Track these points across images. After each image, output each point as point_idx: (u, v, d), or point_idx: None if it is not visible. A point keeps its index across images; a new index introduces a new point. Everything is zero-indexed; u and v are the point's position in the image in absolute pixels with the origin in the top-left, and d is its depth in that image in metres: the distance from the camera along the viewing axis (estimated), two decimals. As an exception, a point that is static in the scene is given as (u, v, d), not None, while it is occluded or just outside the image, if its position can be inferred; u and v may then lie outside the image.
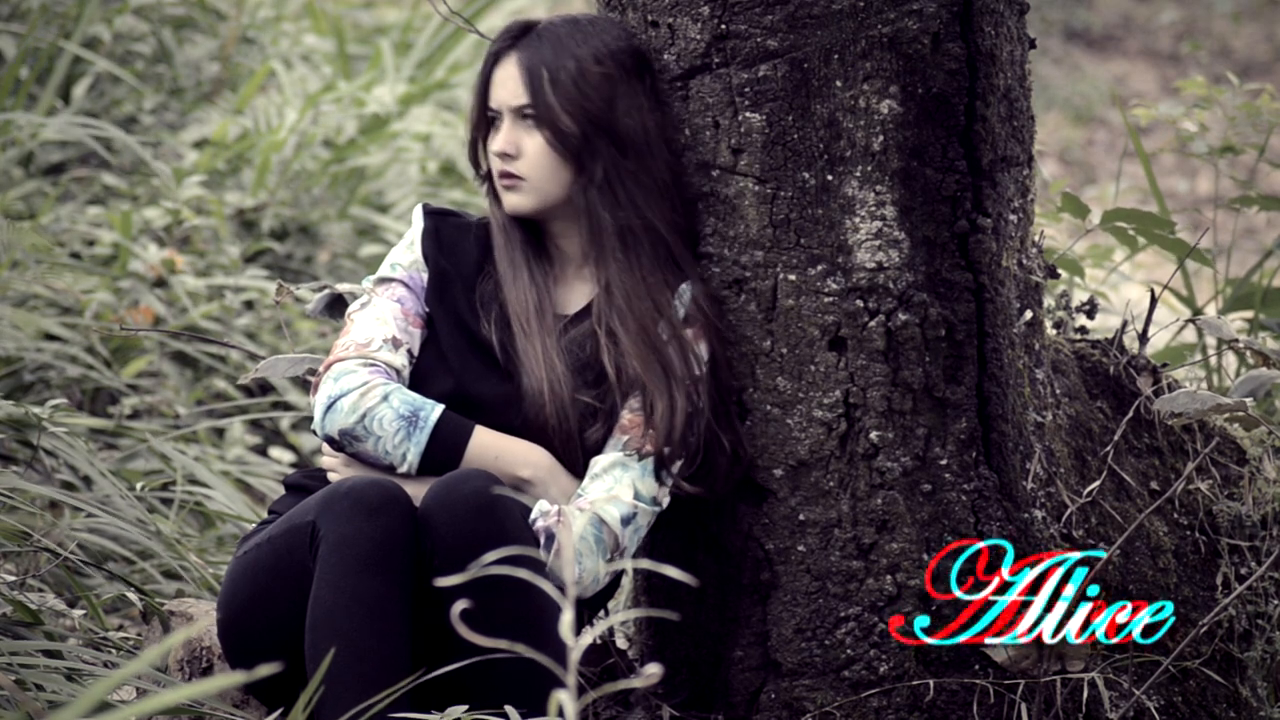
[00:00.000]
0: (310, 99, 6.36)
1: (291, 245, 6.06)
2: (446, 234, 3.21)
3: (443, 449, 3.07)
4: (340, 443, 3.07)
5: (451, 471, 3.02)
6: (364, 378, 3.08)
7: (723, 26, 3.14)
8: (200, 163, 5.95)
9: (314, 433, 3.18)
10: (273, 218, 5.98)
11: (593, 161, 3.12)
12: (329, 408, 3.06)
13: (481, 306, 3.16)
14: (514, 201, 3.17)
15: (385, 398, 3.06)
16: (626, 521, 3.07)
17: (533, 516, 3.01)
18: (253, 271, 5.59)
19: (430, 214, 3.23)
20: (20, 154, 5.74)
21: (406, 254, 3.21)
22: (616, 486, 3.07)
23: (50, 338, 4.93)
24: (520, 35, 3.16)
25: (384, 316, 3.15)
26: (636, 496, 3.08)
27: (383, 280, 3.19)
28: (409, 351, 3.15)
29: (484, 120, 3.19)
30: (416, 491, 3.00)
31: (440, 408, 3.08)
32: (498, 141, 3.16)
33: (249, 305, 5.53)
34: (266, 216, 5.96)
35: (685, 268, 3.16)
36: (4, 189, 5.54)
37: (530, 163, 3.14)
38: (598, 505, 3.05)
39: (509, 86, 3.15)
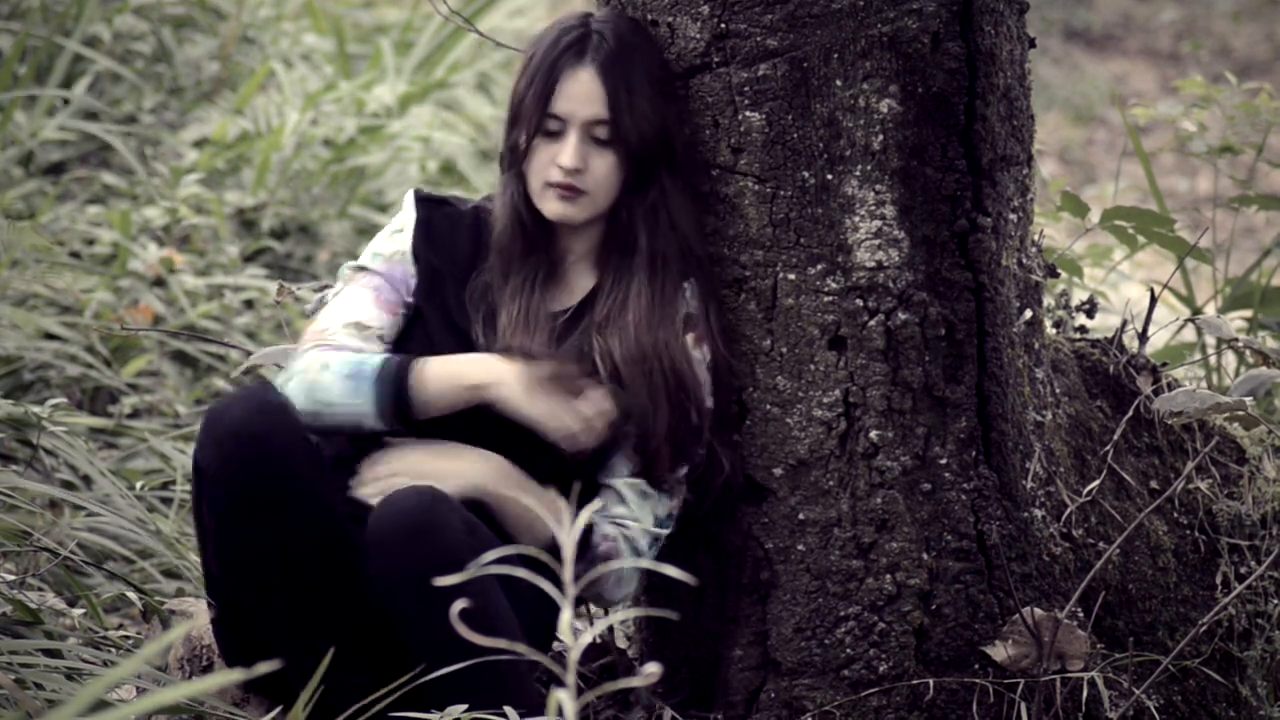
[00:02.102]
0: (310, 99, 6.37)
1: (291, 245, 6.06)
2: (438, 227, 3.18)
3: (395, 392, 3.04)
4: (312, 429, 3.05)
5: (397, 490, 2.97)
6: (318, 355, 3.08)
7: (722, 26, 3.14)
8: (200, 162, 5.95)
9: None
10: (272, 217, 5.98)
11: (649, 183, 3.11)
12: (291, 394, 3.05)
13: (471, 305, 3.15)
14: (567, 212, 3.10)
15: (324, 366, 3.06)
16: (652, 546, 3.15)
17: (595, 540, 3.07)
18: (252, 271, 5.59)
19: (422, 203, 3.19)
20: (20, 153, 5.74)
21: (389, 243, 3.17)
22: (644, 516, 3.13)
23: (50, 337, 4.93)
24: (585, 42, 3.09)
25: (351, 303, 3.14)
26: (659, 524, 3.15)
27: (360, 269, 3.17)
28: (379, 336, 3.12)
29: (541, 123, 3.10)
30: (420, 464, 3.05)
31: (381, 356, 3.07)
32: (566, 155, 3.07)
33: (249, 304, 5.53)
34: (266, 216, 5.96)
35: (700, 270, 3.16)
36: (4, 188, 5.54)
37: (595, 179, 3.09)
38: (635, 537, 3.13)
39: (584, 99, 3.08)
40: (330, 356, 3.07)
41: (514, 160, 3.14)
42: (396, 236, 3.17)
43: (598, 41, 3.09)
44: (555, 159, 3.09)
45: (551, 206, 3.11)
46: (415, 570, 2.87)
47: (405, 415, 3.05)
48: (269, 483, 2.91)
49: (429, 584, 2.75)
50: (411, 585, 2.88)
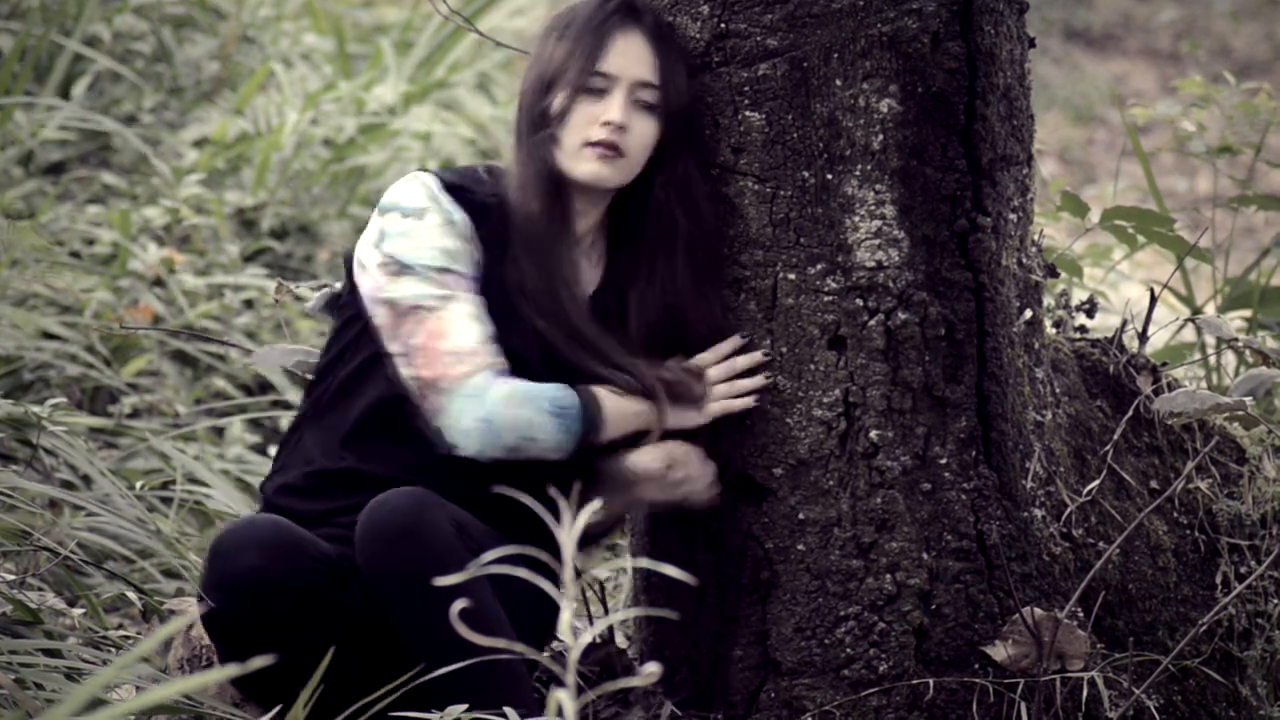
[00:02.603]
0: (310, 98, 6.36)
1: (291, 244, 6.06)
2: (482, 221, 3.11)
3: (589, 430, 3.08)
4: (496, 456, 3.05)
5: (386, 492, 2.97)
6: (504, 389, 3.03)
7: (722, 25, 3.14)
8: (200, 162, 5.95)
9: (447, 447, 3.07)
10: (272, 217, 5.98)
11: (675, 157, 3.12)
12: (487, 433, 3.02)
13: (511, 285, 3.11)
14: (604, 173, 3.09)
15: (522, 401, 3.03)
16: None
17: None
18: (252, 270, 5.59)
19: (457, 196, 3.11)
20: (20, 153, 5.74)
21: (449, 238, 3.08)
22: None
23: (50, 337, 4.93)
24: (633, 8, 3.10)
25: (474, 313, 3.07)
26: None
27: (445, 270, 3.07)
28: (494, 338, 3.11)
29: (586, 81, 3.08)
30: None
31: (567, 391, 3.07)
32: (614, 110, 3.07)
33: (249, 304, 5.53)
34: (266, 215, 5.96)
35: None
36: (4, 188, 5.54)
37: (635, 142, 3.08)
38: None
39: (636, 59, 3.08)
40: (518, 388, 3.04)
41: (543, 123, 3.10)
42: (449, 230, 3.08)
43: (650, 17, 3.12)
44: (600, 117, 3.08)
45: (588, 167, 3.08)
46: (406, 571, 2.88)
47: (589, 444, 3.09)
48: (279, 621, 2.93)
49: (420, 584, 2.77)
50: (405, 585, 2.89)
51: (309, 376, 3.28)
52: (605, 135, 3.07)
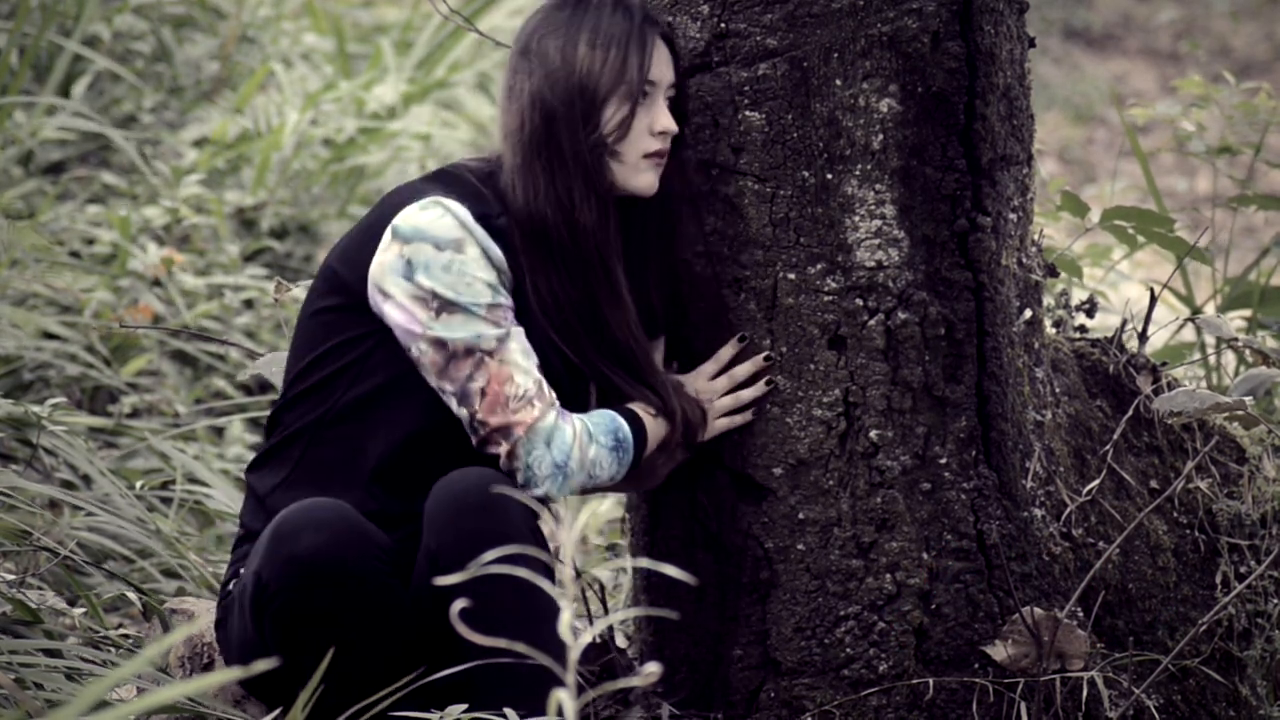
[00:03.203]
0: (310, 98, 6.37)
1: (291, 244, 6.06)
2: (506, 246, 3.07)
3: (638, 457, 3.12)
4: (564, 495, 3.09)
5: (457, 470, 2.98)
6: (571, 431, 3.04)
7: (722, 25, 3.14)
8: (200, 161, 5.95)
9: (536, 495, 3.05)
10: (272, 216, 5.98)
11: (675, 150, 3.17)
12: (562, 477, 3.04)
13: (539, 307, 3.10)
14: (655, 182, 3.12)
15: (589, 440, 3.05)
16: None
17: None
18: (252, 270, 5.59)
19: (487, 226, 3.05)
20: (20, 153, 5.74)
21: (489, 270, 3.02)
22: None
23: (50, 336, 4.93)
24: (643, 10, 3.11)
25: (526, 346, 3.04)
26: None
27: (495, 306, 3.02)
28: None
29: (641, 91, 3.07)
30: None
31: (622, 421, 3.10)
32: (667, 118, 3.09)
33: (248, 304, 5.53)
34: (266, 215, 5.96)
35: None
36: (4, 188, 5.54)
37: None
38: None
39: (667, 63, 3.10)
40: (582, 428, 3.06)
41: (593, 137, 3.06)
42: (488, 262, 3.03)
43: (652, 12, 3.12)
44: (653, 126, 3.08)
45: (647, 179, 3.10)
46: (482, 543, 2.86)
47: (628, 473, 3.14)
48: (339, 606, 2.90)
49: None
50: (478, 553, 2.87)
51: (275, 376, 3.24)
52: (661, 145, 3.09)
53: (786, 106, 3.12)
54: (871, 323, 3.13)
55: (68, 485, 4.12)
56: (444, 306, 3.00)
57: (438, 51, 7.38)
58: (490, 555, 2.77)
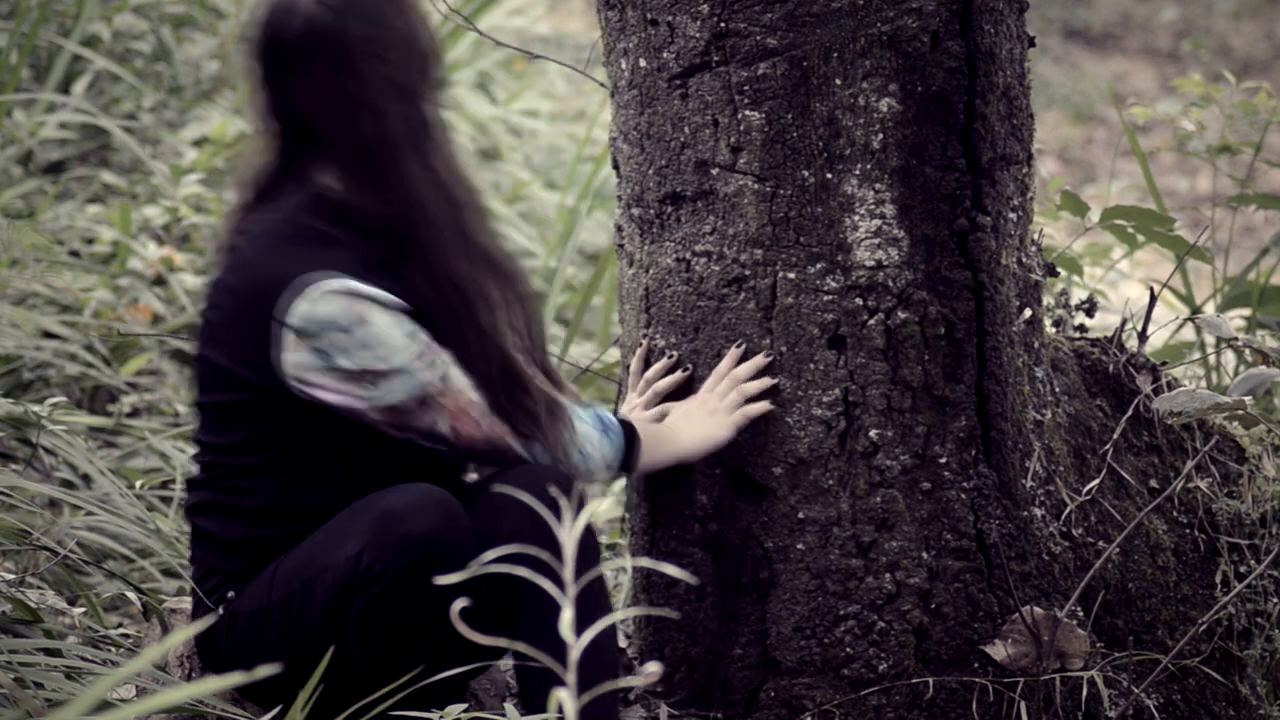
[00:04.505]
0: (310, 97, 6.35)
1: (291, 243, 6.05)
2: (390, 281, 3.01)
3: (630, 448, 3.13)
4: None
5: (525, 465, 3.02)
6: (570, 413, 3.06)
7: (722, 25, 3.14)
8: (200, 161, 5.95)
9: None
10: (272, 216, 5.97)
11: None
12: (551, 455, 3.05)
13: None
14: None
15: (579, 417, 3.08)
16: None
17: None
18: (252, 270, 5.57)
19: (367, 273, 2.98)
20: (19, 152, 5.74)
21: (397, 318, 2.96)
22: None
23: (49, 336, 4.93)
24: None
25: (460, 368, 3.02)
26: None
27: (421, 353, 2.96)
28: None
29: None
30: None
31: (598, 410, 3.12)
32: None
33: (248, 303, 5.52)
34: (266, 215, 5.95)
35: None
36: (3, 187, 5.54)
37: None
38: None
39: None
40: (579, 409, 3.09)
41: (436, 133, 3.03)
42: (391, 311, 2.96)
43: None
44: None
45: None
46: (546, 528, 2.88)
47: (626, 470, 3.14)
48: (448, 587, 2.87)
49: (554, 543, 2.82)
50: (539, 542, 2.88)
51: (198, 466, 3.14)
52: None
53: (786, 106, 3.12)
54: (871, 322, 3.13)
55: (67, 485, 4.12)
56: (377, 377, 2.95)
57: (437, 51, 7.37)
58: (489, 555, 2.77)
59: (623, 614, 3.35)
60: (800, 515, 3.17)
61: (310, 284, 2.93)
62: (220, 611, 3.04)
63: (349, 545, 2.91)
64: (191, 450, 3.13)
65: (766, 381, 3.17)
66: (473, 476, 3.15)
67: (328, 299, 2.93)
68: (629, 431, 3.13)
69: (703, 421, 3.18)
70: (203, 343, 3.06)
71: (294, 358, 2.95)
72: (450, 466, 3.11)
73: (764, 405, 3.17)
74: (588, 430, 3.09)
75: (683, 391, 3.23)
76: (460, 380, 2.99)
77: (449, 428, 2.99)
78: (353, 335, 2.93)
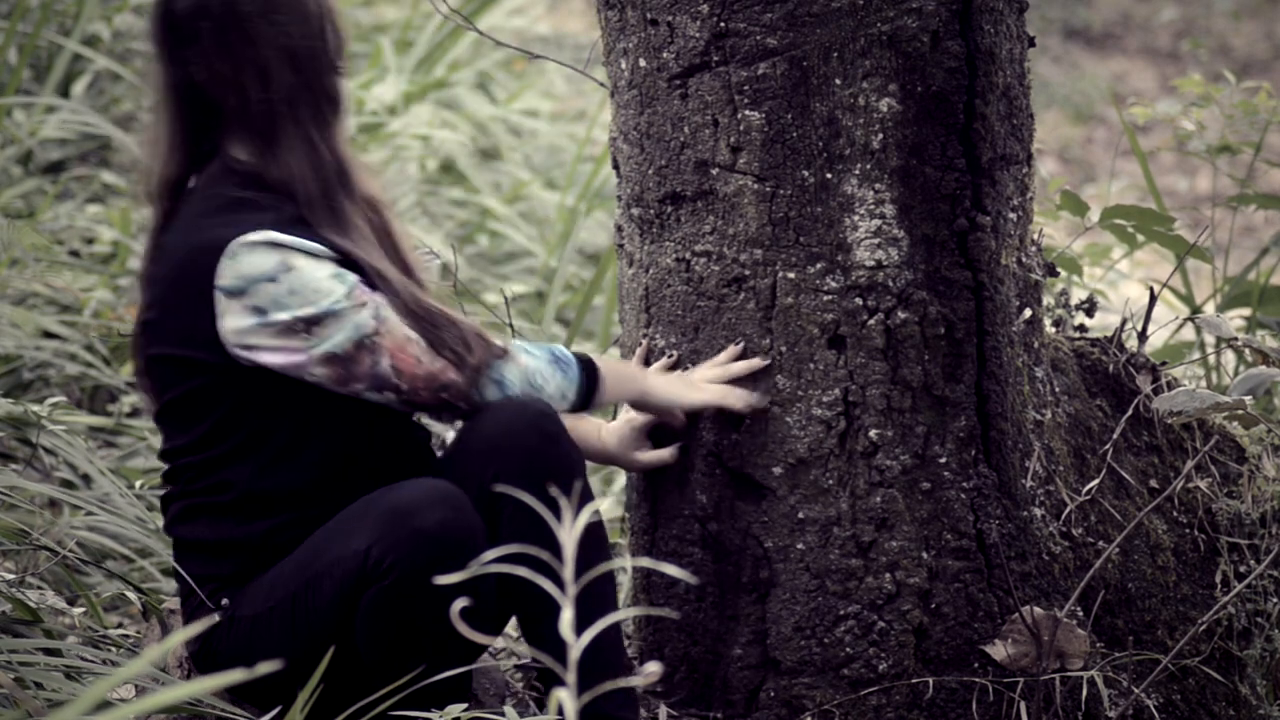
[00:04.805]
0: (309, 97, 6.35)
1: (291, 243, 6.04)
2: (310, 234, 3.02)
3: (590, 381, 3.09)
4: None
5: (512, 398, 3.02)
6: (513, 352, 3.03)
7: (722, 24, 3.14)
8: (199, 161, 5.94)
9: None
10: (272, 216, 5.97)
11: None
12: (520, 379, 3.02)
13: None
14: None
15: (521, 349, 3.05)
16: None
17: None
18: (252, 269, 5.57)
19: (289, 225, 3.00)
20: (19, 152, 5.74)
21: (325, 263, 2.97)
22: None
23: (49, 335, 4.92)
24: None
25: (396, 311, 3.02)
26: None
27: (350, 291, 2.96)
28: None
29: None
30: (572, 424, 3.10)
31: (554, 346, 3.11)
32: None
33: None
34: (266, 214, 5.95)
35: None
36: (3, 187, 5.54)
37: None
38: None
39: None
40: (521, 345, 3.06)
41: (337, 102, 3.08)
42: (319, 258, 2.97)
43: None
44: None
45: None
46: (543, 468, 2.92)
47: (588, 403, 3.10)
48: (460, 581, 2.87)
49: (546, 485, 2.84)
50: (534, 484, 2.90)
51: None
52: None
53: (786, 106, 3.12)
54: (871, 322, 3.13)
55: (67, 484, 4.12)
56: (311, 325, 2.95)
57: (437, 51, 7.38)
58: (490, 555, 2.77)
59: (623, 614, 3.34)
60: (800, 515, 3.17)
61: (231, 241, 2.94)
62: (217, 616, 3.03)
63: (357, 540, 2.91)
64: (162, 469, 3.13)
65: (755, 363, 3.16)
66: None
67: (251, 251, 2.94)
68: (587, 365, 3.10)
69: (676, 381, 3.18)
70: (148, 344, 3.06)
71: (232, 322, 2.96)
72: (419, 435, 3.10)
73: (748, 397, 3.17)
74: (538, 364, 3.05)
75: None
76: (395, 318, 2.98)
77: (390, 367, 2.97)
78: (280, 284, 2.94)
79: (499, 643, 3.40)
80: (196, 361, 3.00)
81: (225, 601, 3.03)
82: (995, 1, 3.15)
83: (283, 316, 2.94)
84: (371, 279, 3.00)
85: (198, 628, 2.70)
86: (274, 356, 2.96)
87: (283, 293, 2.94)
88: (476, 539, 2.90)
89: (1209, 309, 4.65)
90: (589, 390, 3.10)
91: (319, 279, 2.95)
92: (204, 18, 3.00)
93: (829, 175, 3.13)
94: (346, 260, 2.99)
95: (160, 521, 3.86)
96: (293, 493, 3.02)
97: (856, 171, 3.12)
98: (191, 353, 3.00)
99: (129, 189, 5.82)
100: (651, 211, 3.24)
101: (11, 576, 3.51)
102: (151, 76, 3.08)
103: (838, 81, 3.12)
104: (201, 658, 3.08)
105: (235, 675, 1.86)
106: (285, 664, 2.92)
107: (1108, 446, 3.32)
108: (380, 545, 2.89)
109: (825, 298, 3.14)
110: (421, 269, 3.16)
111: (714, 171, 3.17)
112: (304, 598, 2.96)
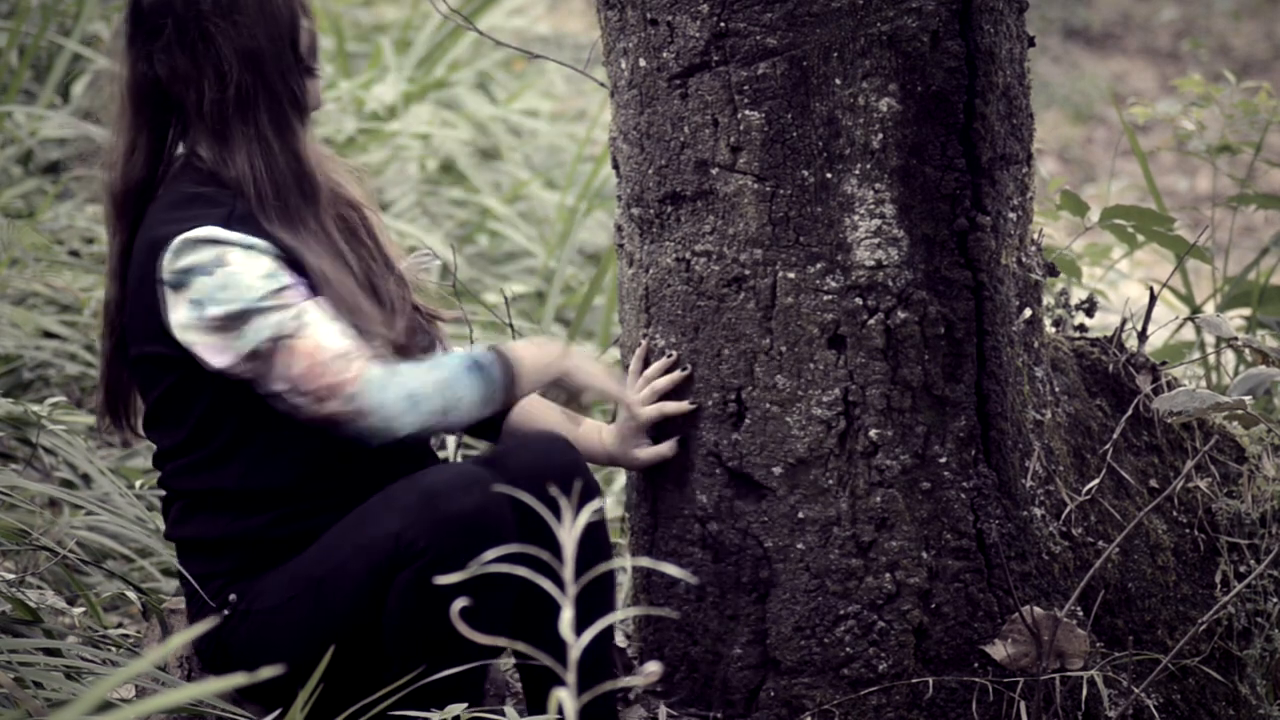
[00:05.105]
0: (309, 97, 6.35)
1: (291, 243, 6.04)
2: (258, 231, 3.02)
3: (508, 378, 3.06)
4: (431, 426, 3.00)
5: (526, 437, 3.07)
6: (403, 366, 2.97)
7: (722, 24, 3.14)
8: (199, 161, 5.94)
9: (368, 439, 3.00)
10: (272, 215, 5.96)
11: None
12: (414, 404, 2.94)
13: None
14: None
15: (435, 365, 3.00)
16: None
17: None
18: (252, 269, 5.57)
19: (237, 226, 2.99)
20: (19, 152, 5.74)
21: (259, 261, 2.96)
22: None
23: (49, 335, 4.93)
24: None
25: (329, 312, 2.97)
26: None
27: (278, 291, 2.94)
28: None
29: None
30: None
31: (473, 349, 3.06)
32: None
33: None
34: (266, 214, 5.95)
35: None
36: (3, 187, 5.54)
37: None
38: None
39: None
40: (421, 359, 3.03)
41: (301, 104, 3.06)
42: (255, 255, 2.96)
43: None
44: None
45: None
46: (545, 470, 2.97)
47: (510, 398, 3.07)
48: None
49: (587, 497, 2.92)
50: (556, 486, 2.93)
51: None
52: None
53: (786, 106, 3.12)
54: (871, 322, 3.13)
55: (67, 484, 4.12)
56: (235, 320, 2.94)
57: (437, 51, 7.38)
58: (487, 556, 2.77)
59: (623, 614, 3.35)
60: (800, 515, 3.17)
61: (176, 239, 2.96)
62: (225, 612, 3.03)
63: (388, 523, 2.92)
64: (156, 477, 3.13)
65: (676, 377, 3.21)
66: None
67: (191, 247, 2.95)
68: (503, 360, 3.04)
69: (600, 367, 3.18)
70: (130, 345, 3.07)
71: (176, 317, 2.98)
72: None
73: (683, 405, 3.20)
74: (453, 377, 2.99)
75: (681, 390, 3.23)
76: (320, 324, 2.95)
77: (299, 372, 2.93)
78: (214, 278, 2.95)
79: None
80: (165, 357, 3.01)
81: (233, 597, 3.03)
82: (995, 1, 3.15)
83: (216, 312, 2.94)
84: (316, 281, 2.99)
85: (202, 627, 2.69)
86: (211, 355, 2.96)
87: (216, 286, 2.95)
88: (507, 524, 2.91)
89: (1209, 309, 4.65)
90: (509, 385, 3.06)
91: (250, 275, 2.95)
92: (168, 13, 3.02)
93: (829, 175, 3.13)
94: (291, 259, 2.98)
95: (160, 522, 3.86)
96: (284, 489, 3.03)
97: (856, 171, 3.12)
98: (160, 348, 3.01)
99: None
100: (651, 211, 3.24)
101: (11, 576, 3.51)
102: (115, 77, 3.08)
103: (838, 81, 3.12)
104: (212, 655, 3.07)
105: (237, 679, 1.86)
106: (299, 660, 2.92)
107: (1108, 446, 3.32)
108: (414, 528, 2.90)
109: (825, 297, 3.14)
110: (413, 271, 3.16)
111: (714, 171, 3.17)
112: (329, 584, 2.96)
